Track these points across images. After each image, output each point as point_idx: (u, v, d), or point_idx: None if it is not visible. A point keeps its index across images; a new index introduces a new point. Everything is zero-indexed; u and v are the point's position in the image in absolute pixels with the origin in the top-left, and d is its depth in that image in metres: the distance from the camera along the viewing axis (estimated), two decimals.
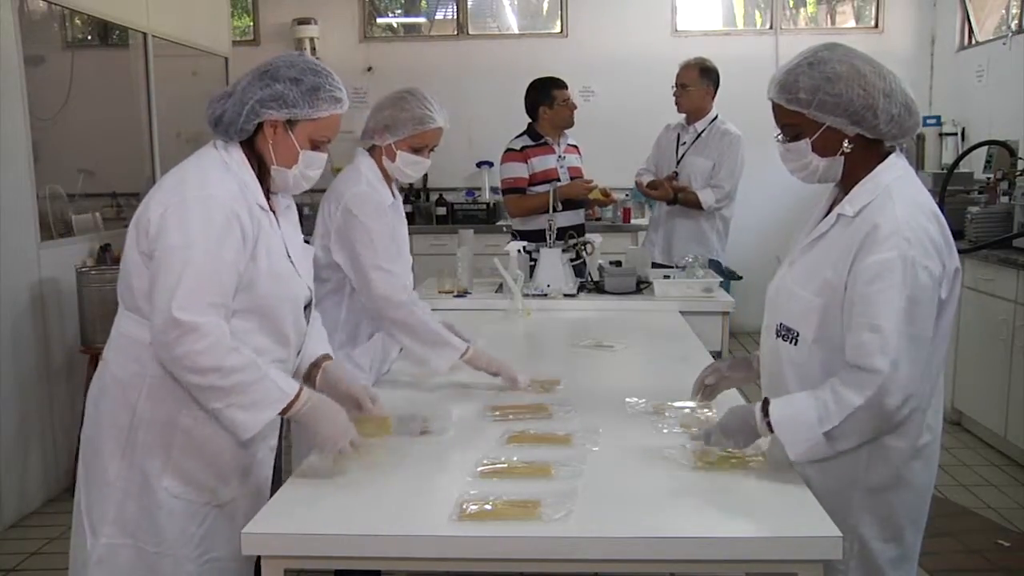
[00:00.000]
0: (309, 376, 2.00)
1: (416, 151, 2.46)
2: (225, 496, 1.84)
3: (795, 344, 1.77)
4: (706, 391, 2.06)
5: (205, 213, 1.70)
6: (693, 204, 4.21)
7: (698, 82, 4.22)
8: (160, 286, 1.66)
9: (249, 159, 1.81)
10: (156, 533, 1.77)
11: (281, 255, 1.85)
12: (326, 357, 2.04)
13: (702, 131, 4.27)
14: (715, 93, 4.28)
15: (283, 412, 1.75)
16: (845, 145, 1.70)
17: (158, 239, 1.69)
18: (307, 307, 1.94)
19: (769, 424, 1.70)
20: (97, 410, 1.81)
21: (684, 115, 4.34)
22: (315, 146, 1.83)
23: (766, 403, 1.72)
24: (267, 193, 1.85)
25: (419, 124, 2.42)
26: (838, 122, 1.69)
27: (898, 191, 1.67)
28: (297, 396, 1.74)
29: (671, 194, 4.23)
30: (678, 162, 4.30)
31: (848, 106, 1.66)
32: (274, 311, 1.82)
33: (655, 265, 4.05)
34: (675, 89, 4.28)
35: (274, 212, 1.87)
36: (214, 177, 1.75)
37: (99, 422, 1.80)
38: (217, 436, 1.78)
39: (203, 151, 1.83)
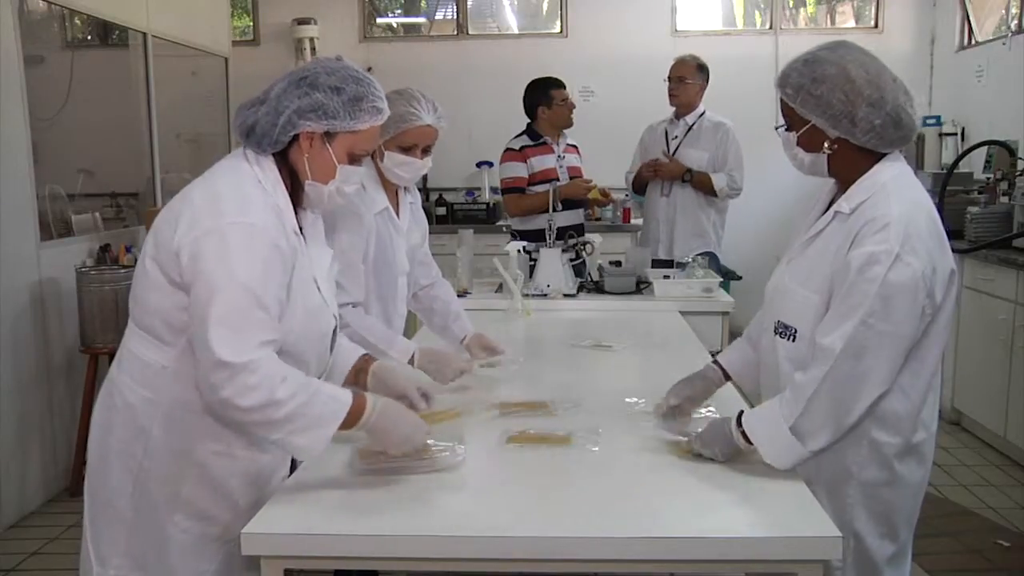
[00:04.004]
0: (357, 382, 1.92)
1: (405, 151, 2.35)
2: (237, 532, 1.63)
3: (793, 341, 1.78)
4: (676, 411, 1.97)
5: (248, 243, 1.57)
6: (705, 185, 4.22)
7: (695, 75, 4.31)
8: (201, 324, 1.54)
9: (281, 173, 1.69)
10: (167, 569, 1.69)
11: (311, 287, 1.74)
12: (367, 359, 1.95)
13: (692, 124, 4.32)
14: (705, 89, 4.37)
15: (349, 426, 1.63)
16: (826, 146, 1.73)
17: (196, 270, 1.56)
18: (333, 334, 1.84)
19: (744, 435, 1.71)
20: (106, 436, 1.70)
21: (673, 110, 4.40)
22: (352, 160, 1.73)
23: (740, 415, 1.74)
24: (295, 210, 1.73)
25: (402, 122, 2.30)
26: (820, 122, 1.71)
27: (895, 189, 1.68)
28: (362, 407, 1.64)
29: (683, 168, 4.24)
30: (672, 155, 4.32)
31: (827, 109, 1.69)
32: (298, 347, 1.70)
33: (658, 262, 4.05)
34: (671, 83, 4.33)
35: (302, 231, 1.75)
36: (254, 200, 1.62)
37: (108, 449, 1.69)
38: (232, 471, 1.70)
39: (233, 163, 1.69)
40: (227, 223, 1.57)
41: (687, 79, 4.28)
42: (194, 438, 1.67)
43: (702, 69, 4.32)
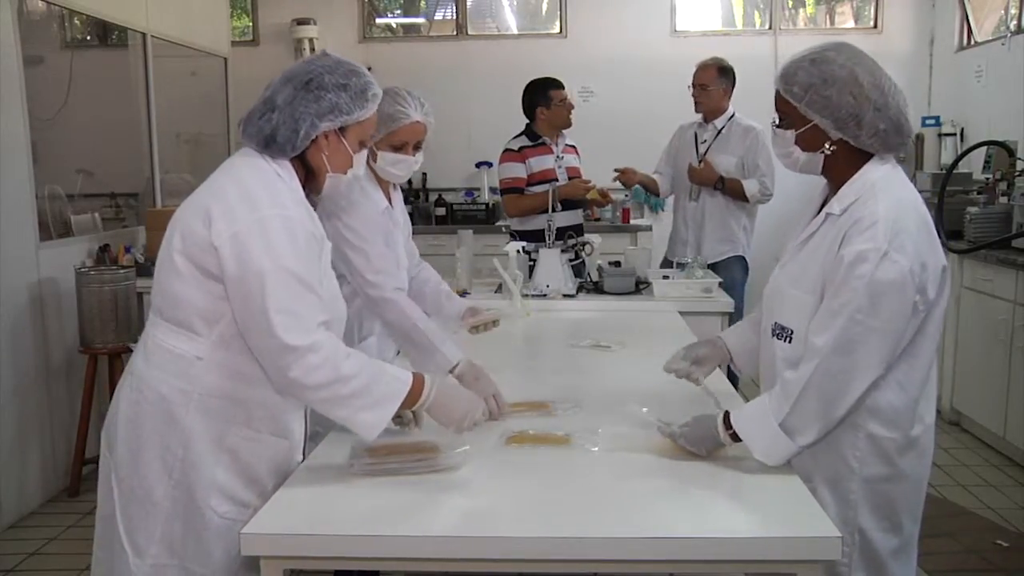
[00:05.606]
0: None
1: (397, 149, 2.38)
2: None
3: (789, 342, 1.80)
4: (690, 377, 2.11)
5: (288, 232, 1.65)
6: (737, 192, 4.20)
7: (717, 81, 4.24)
8: (259, 313, 1.61)
9: (295, 167, 1.77)
10: (205, 554, 1.72)
11: (331, 274, 1.84)
12: None
13: (722, 128, 4.28)
14: (732, 92, 4.30)
15: (410, 405, 1.74)
16: (827, 146, 1.74)
17: (241, 263, 1.62)
18: None
19: (732, 435, 1.73)
20: (137, 430, 1.72)
21: (701, 115, 4.34)
22: (362, 146, 1.84)
23: (727, 415, 1.75)
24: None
25: (392, 122, 2.33)
26: (824, 123, 1.71)
27: (883, 188, 1.70)
28: (420, 387, 1.74)
29: (716, 175, 4.21)
30: (700, 160, 4.29)
31: (835, 111, 1.69)
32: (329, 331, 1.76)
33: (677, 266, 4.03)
34: (693, 90, 4.28)
35: None
36: (284, 194, 1.71)
37: (141, 442, 1.71)
38: (260, 456, 1.75)
39: (252, 161, 1.74)
40: (265, 215, 1.65)
41: (708, 86, 4.23)
42: (226, 424, 1.72)
43: (724, 72, 4.25)
